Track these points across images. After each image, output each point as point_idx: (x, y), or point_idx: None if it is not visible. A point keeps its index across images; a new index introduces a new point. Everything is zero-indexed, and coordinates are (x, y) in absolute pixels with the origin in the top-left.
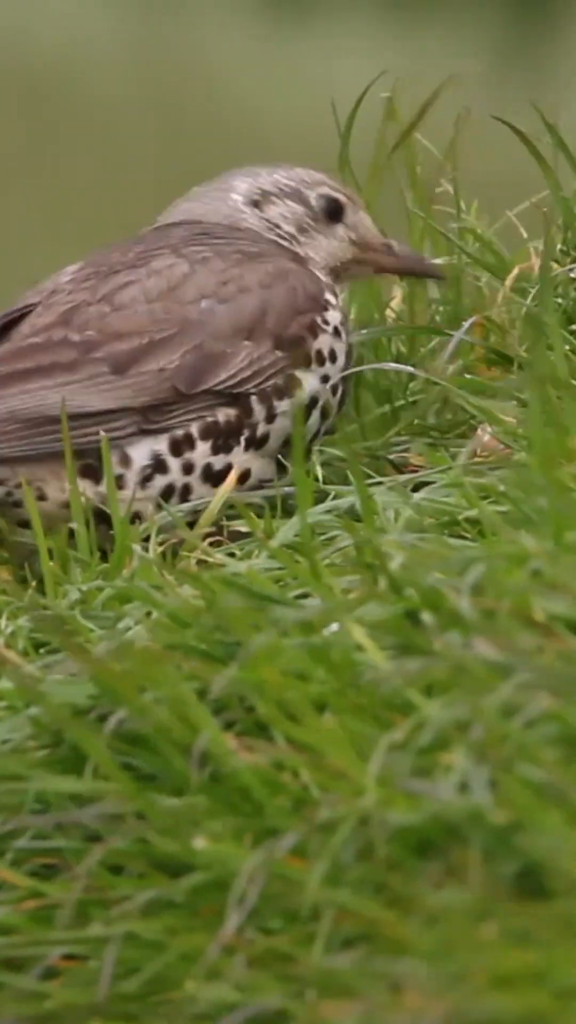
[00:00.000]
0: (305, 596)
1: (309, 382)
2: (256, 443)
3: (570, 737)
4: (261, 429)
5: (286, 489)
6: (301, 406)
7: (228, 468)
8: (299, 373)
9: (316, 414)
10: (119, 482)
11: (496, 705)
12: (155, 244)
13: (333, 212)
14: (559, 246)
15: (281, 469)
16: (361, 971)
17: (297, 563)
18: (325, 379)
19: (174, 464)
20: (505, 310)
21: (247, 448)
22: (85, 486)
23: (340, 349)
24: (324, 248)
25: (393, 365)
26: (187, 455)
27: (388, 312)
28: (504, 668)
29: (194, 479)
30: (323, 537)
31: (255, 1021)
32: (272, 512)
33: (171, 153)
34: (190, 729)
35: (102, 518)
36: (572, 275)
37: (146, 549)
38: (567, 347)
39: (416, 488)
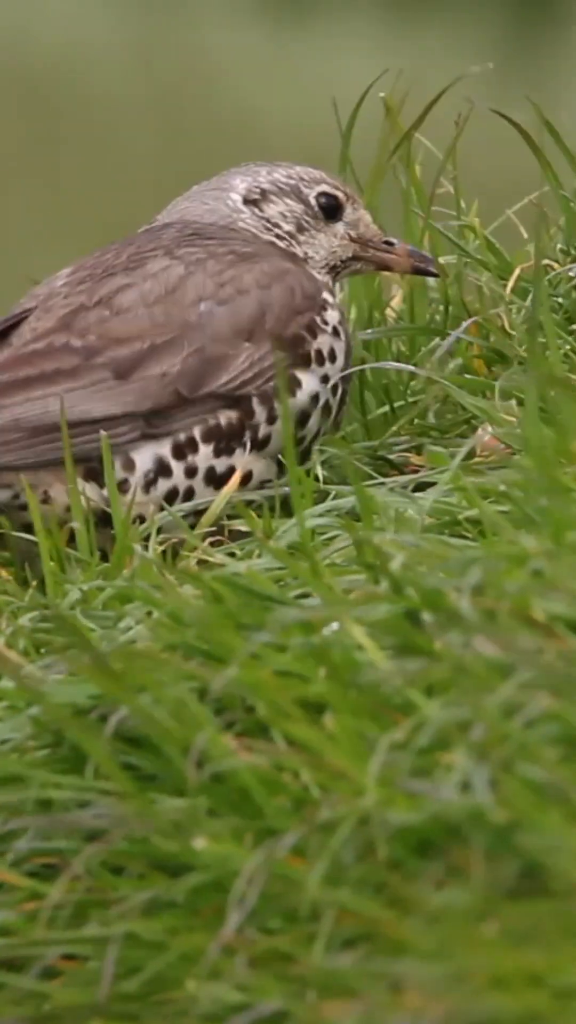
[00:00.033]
0: (305, 596)
1: (309, 382)
2: (258, 445)
3: (570, 737)
4: (263, 431)
5: (288, 489)
6: (297, 406)
7: (231, 471)
8: (299, 373)
9: (317, 414)
10: (123, 487)
11: (497, 705)
12: (147, 246)
13: (332, 210)
14: (559, 246)
15: (283, 469)
16: (361, 971)
17: (298, 563)
18: (325, 379)
19: (177, 468)
20: (505, 310)
21: (249, 450)
22: (89, 489)
23: (339, 348)
24: (323, 246)
25: (393, 364)
26: (190, 458)
27: (388, 312)
28: (504, 668)
29: (197, 482)
30: (323, 537)
31: (256, 1021)
32: (273, 512)
33: (171, 153)
34: (190, 729)
35: (107, 521)
36: (572, 275)
37: (146, 549)
38: (567, 347)
39: (417, 488)
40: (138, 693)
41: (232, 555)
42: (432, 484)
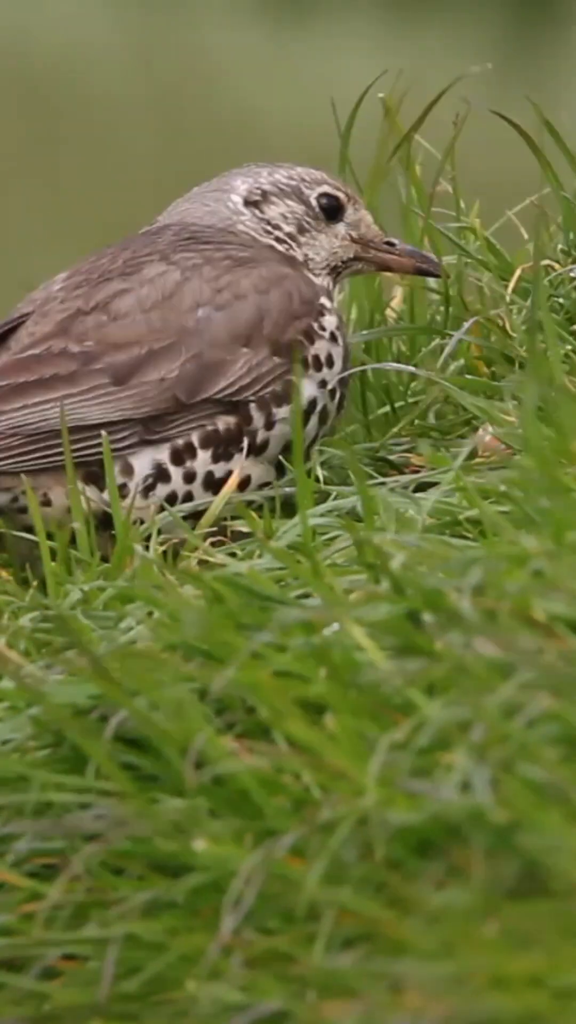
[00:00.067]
0: (306, 596)
1: (307, 387)
2: (256, 450)
3: (571, 737)
4: (260, 436)
5: (288, 490)
6: (301, 408)
7: (229, 475)
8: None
9: (314, 419)
10: (122, 492)
11: (497, 705)
12: (143, 251)
13: (334, 211)
14: (560, 246)
15: (281, 472)
16: (361, 971)
17: (298, 563)
18: (323, 384)
19: (176, 473)
20: (506, 311)
21: (247, 455)
22: (89, 493)
23: (337, 354)
24: (325, 247)
25: (394, 365)
26: (188, 464)
27: (388, 312)
28: (505, 668)
29: (196, 487)
30: (324, 537)
31: (256, 1021)
32: (273, 513)
33: (171, 153)
34: (190, 730)
35: (106, 524)
36: (573, 275)
37: (147, 549)
38: (568, 347)
39: (417, 488)
40: (138, 694)
41: (233, 555)
42: (433, 484)
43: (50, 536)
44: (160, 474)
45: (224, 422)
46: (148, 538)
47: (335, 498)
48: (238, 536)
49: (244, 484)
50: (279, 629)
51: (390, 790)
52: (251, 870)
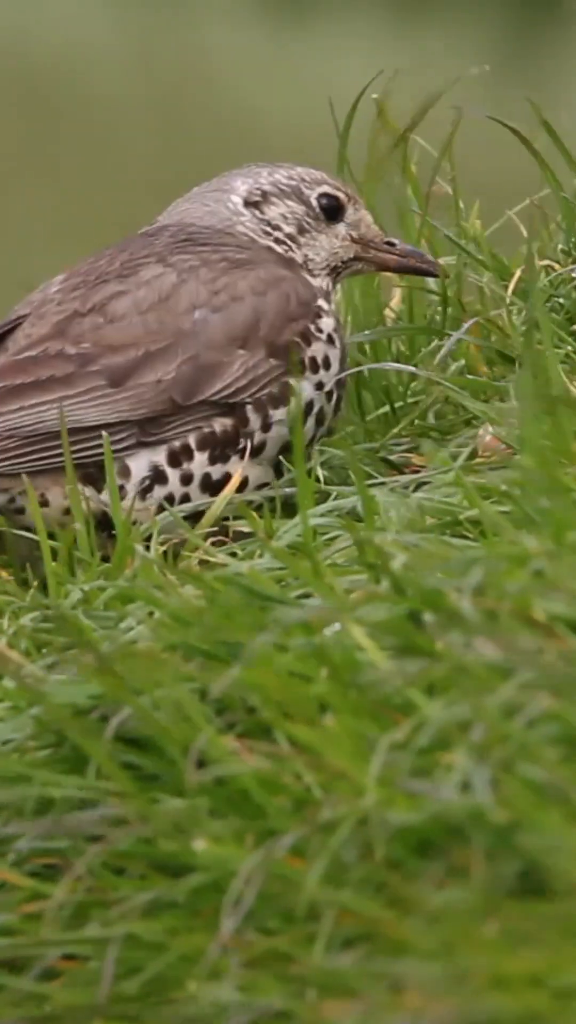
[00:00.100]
0: (307, 596)
1: (303, 389)
2: (253, 452)
3: (571, 737)
4: (257, 438)
5: (288, 490)
6: (292, 414)
7: (227, 478)
8: (293, 380)
9: (311, 421)
10: (120, 494)
11: (497, 705)
12: (139, 253)
13: (334, 211)
14: (560, 246)
15: (279, 474)
16: (362, 971)
17: (299, 563)
18: (319, 386)
19: (173, 475)
20: (507, 311)
21: (244, 457)
22: (86, 494)
23: (334, 356)
24: (325, 247)
25: (393, 365)
26: (186, 466)
27: (387, 312)
28: (505, 668)
29: (193, 489)
30: (325, 537)
31: (256, 1021)
32: (273, 513)
33: (171, 153)
34: (191, 730)
35: (103, 526)
36: (574, 275)
37: (148, 549)
38: (569, 348)
39: (418, 488)
40: (139, 694)
41: (233, 555)
42: (433, 484)
43: (51, 536)
44: (157, 476)
45: (221, 424)
46: (149, 538)
47: (335, 498)
48: (239, 536)
49: (242, 486)
50: (280, 629)
51: (390, 790)
52: (251, 870)
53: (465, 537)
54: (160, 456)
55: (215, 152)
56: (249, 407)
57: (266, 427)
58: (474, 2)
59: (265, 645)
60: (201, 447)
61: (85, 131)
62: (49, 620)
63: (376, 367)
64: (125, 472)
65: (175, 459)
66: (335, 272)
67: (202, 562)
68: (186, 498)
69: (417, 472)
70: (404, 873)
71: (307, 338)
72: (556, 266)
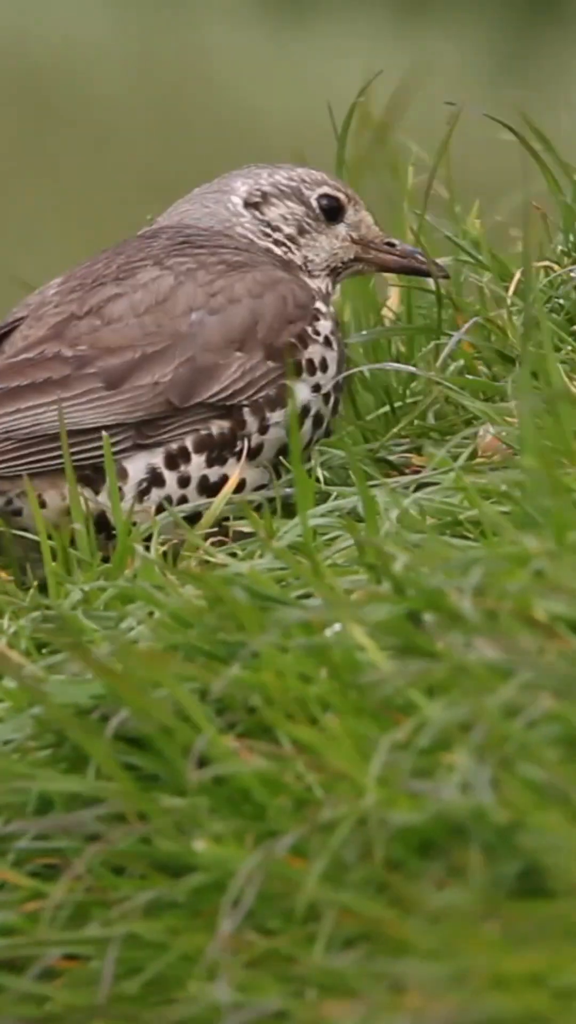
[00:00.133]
0: (307, 596)
1: (301, 391)
2: (250, 454)
3: (572, 737)
4: (255, 440)
5: (288, 490)
6: (296, 408)
7: (224, 480)
8: (291, 383)
9: (308, 423)
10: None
11: (498, 705)
12: (137, 255)
13: (334, 212)
14: (560, 247)
15: (277, 476)
16: (362, 971)
17: (299, 563)
18: (317, 388)
19: (170, 477)
20: (507, 311)
21: (241, 460)
22: (84, 495)
23: (331, 358)
24: (325, 248)
25: (394, 365)
26: (183, 468)
27: (385, 313)
28: (506, 668)
29: (190, 491)
30: (325, 538)
31: (256, 1021)
32: (274, 513)
33: (171, 153)
34: (192, 730)
35: (101, 528)
36: (574, 275)
37: (148, 549)
38: (568, 348)
39: (418, 489)
40: (139, 694)
41: (233, 555)
42: (433, 484)
43: (49, 538)
44: (154, 478)
45: (218, 426)
46: (149, 538)
47: (336, 498)
48: (239, 536)
49: (239, 488)
50: (280, 629)
51: (391, 790)
52: (251, 870)
53: (465, 537)
54: (157, 458)
55: (215, 152)
56: (246, 409)
57: (263, 429)
58: (474, 2)
59: (266, 645)
60: (198, 449)
61: (85, 131)
62: (49, 620)
63: (376, 367)
64: (122, 475)
65: (172, 461)
66: (335, 273)
67: (202, 562)
68: (183, 501)
69: (417, 472)
70: (405, 873)
71: (304, 340)
72: (556, 267)
